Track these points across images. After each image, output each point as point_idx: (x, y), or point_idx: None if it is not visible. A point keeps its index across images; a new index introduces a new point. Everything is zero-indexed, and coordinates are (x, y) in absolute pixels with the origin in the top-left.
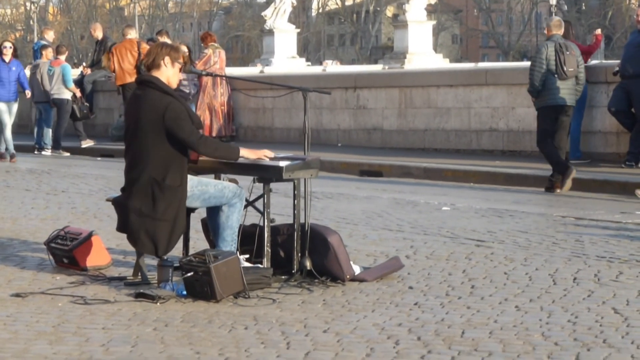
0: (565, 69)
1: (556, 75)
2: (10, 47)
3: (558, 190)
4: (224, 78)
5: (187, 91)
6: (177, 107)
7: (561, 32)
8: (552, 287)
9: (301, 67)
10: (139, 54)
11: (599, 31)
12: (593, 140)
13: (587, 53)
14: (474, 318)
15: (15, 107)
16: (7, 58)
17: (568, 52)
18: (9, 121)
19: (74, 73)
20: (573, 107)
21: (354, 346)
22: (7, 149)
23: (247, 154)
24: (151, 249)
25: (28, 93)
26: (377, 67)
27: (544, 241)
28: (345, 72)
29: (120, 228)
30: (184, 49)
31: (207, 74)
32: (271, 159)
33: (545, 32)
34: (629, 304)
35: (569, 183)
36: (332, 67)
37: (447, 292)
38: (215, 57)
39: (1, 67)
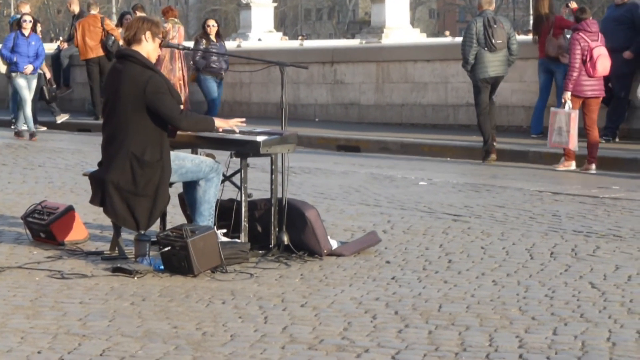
0: (493, 41)
1: (486, 49)
2: (30, 21)
3: (493, 156)
4: (181, 52)
5: (217, 66)
6: (158, 81)
7: (492, 7)
8: (529, 262)
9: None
10: (103, 29)
11: (573, 4)
12: None
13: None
14: (451, 292)
15: (34, 82)
16: (26, 32)
17: (496, 26)
18: (29, 97)
19: (50, 47)
20: (503, 76)
21: (331, 320)
22: (27, 126)
23: (220, 123)
24: (132, 224)
25: (28, 69)
26: (354, 42)
27: (520, 216)
28: (323, 46)
29: (95, 201)
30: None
31: (184, 48)
32: (246, 132)
33: (478, 7)
34: (606, 278)
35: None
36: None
37: (424, 267)
38: (174, 32)
39: (20, 41)
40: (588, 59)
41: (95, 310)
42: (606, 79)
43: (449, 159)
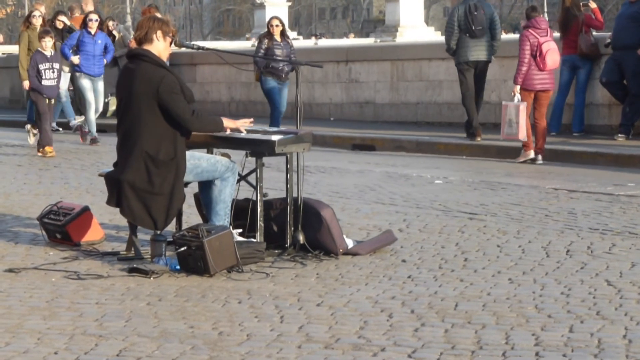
0: (473, 28)
1: (467, 35)
2: (97, 20)
3: (479, 139)
4: None
5: (278, 67)
6: (172, 81)
7: None
8: (545, 260)
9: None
10: None
11: (593, 4)
12: (585, 112)
13: (599, 27)
14: (467, 291)
15: (101, 84)
16: (92, 30)
17: (477, 13)
18: (93, 100)
19: None
20: (489, 62)
21: (347, 319)
22: (89, 131)
23: (228, 124)
24: (150, 224)
25: (75, 59)
26: (368, 41)
27: (536, 214)
28: (337, 45)
29: (111, 202)
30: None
31: (199, 48)
32: (261, 132)
33: None
34: (622, 276)
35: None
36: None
37: (440, 265)
38: None
39: (86, 39)
40: (538, 53)
41: (112, 311)
42: (621, 77)
43: (464, 157)
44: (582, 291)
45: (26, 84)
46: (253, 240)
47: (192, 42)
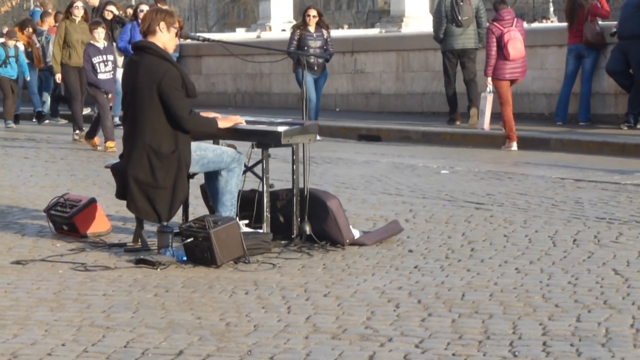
0: (460, 17)
1: (454, 24)
2: (142, 10)
3: (457, 123)
4: None
5: (312, 60)
6: (175, 75)
7: None
8: (552, 249)
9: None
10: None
11: None
12: (592, 102)
13: (606, 16)
14: (474, 280)
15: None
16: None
17: (462, 3)
18: None
19: None
20: (476, 49)
21: (354, 310)
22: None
23: (223, 124)
24: (154, 217)
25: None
26: (374, 31)
27: (543, 203)
28: (343, 36)
29: (119, 194)
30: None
31: (205, 40)
32: (267, 123)
33: None
34: (629, 265)
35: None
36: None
37: (446, 255)
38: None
39: (136, 32)
40: (503, 45)
41: (119, 302)
42: (627, 66)
43: (470, 147)
44: (589, 280)
45: (58, 77)
46: (259, 231)
47: (197, 34)
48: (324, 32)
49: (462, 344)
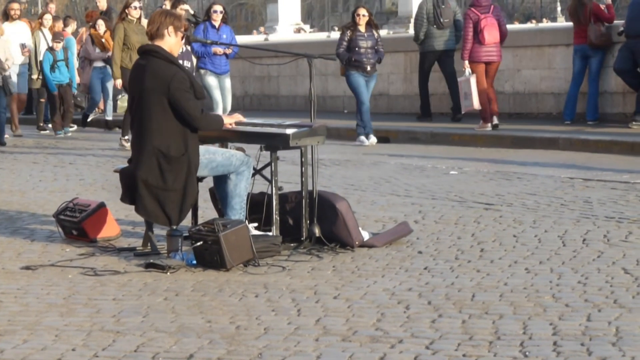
0: (441, 20)
1: (435, 26)
2: (221, 12)
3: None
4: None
5: (362, 59)
6: (183, 78)
7: None
8: (561, 249)
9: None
10: None
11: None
12: (599, 101)
13: (608, 21)
14: (484, 281)
15: (228, 81)
16: (216, 23)
17: (444, 6)
18: (220, 99)
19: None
20: (454, 50)
21: (364, 312)
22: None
23: (227, 120)
24: (164, 220)
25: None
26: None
27: (552, 203)
28: None
29: (125, 198)
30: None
31: (213, 43)
32: (275, 125)
33: None
34: (639, 263)
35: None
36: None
37: (456, 256)
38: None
39: (210, 33)
40: (478, 29)
41: (129, 307)
42: (635, 65)
43: (479, 147)
44: (599, 280)
45: (119, 83)
46: (269, 233)
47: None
48: (374, 32)
49: (472, 345)
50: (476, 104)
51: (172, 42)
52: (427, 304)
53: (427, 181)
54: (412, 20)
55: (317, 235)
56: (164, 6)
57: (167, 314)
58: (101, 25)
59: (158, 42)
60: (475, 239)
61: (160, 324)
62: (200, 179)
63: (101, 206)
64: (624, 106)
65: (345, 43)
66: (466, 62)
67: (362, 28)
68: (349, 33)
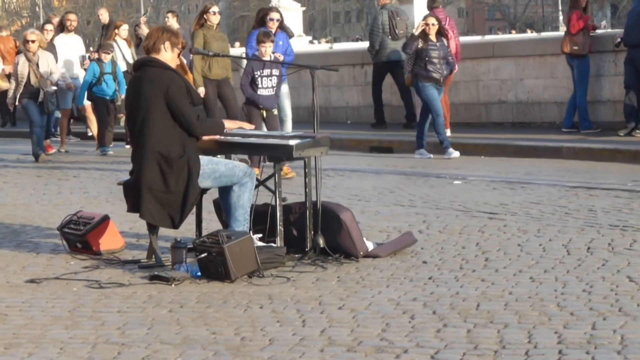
0: (397, 31)
1: (390, 37)
2: (277, 20)
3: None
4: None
5: (435, 70)
6: (179, 84)
7: (393, 1)
8: (566, 258)
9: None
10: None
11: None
12: (602, 109)
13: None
14: (489, 290)
15: (285, 87)
16: (272, 30)
17: (399, 18)
18: (289, 110)
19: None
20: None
21: (369, 322)
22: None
23: (230, 124)
24: (167, 223)
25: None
26: None
27: (556, 212)
28: (353, 48)
29: (131, 209)
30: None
31: (215, 54)
32: (278, 137)
33: (380, 1)
34: None
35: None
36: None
37: (461, 266)
38: None
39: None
40: None
41: (134, 319)
42: (638, 74)
43: (482, 157)
44: (603, 288)
45: (202, 91)
46: (273, 245)
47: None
48: (445, 41)
49: (477, 354)
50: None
51: (168, 57)
52: (432, 314)
53: (431, 191)
54: (413, 30)
55: (322, 245)
56: (166, 20)
57: (172, 325)
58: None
59: (154, 56)
60: (479, 249)
61: (165, 336)
62: (205, 191)
63: (105, 219)
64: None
65: (412, 50)
66: None
67: (433, 37)
68: (419, 42)
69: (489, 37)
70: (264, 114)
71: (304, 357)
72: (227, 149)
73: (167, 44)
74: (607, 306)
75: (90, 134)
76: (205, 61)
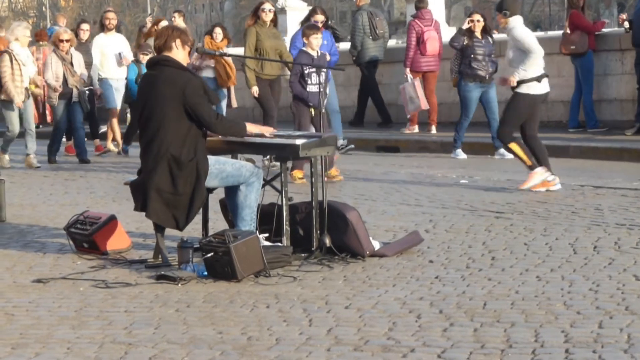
0: (377, 31)
1: (370, 37)
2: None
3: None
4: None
5: (480, 68)
6: (197, 84)
7: (368, 2)
8: (572, 256)
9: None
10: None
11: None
12: (609, 108)
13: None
14: (495, 289)
15: (329, 88)
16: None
17: (378, 19)
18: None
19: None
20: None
21: (376, 321)
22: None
23: (252, 128)
24: (172, 224)
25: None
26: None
27: (563, 211)
28: None
29: (138, 208)
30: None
31: (222, 54)
32: (285, 136)
33: (356, 3)
34: None
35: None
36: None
37: (467, 265)
38: (39, 54)
39: None
40: (421, 40)
41: (141, 318)
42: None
43: (489, 156)
44: (610, 287)
45: (255, 90)
46: (279, 244)
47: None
48: (489, 38)
49: (484, 353)
50: (424, 104)
51: (180, 56)
52: (438, 313)
53: (438, 190)
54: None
55: (328, 245)
56: (173, 19)
57: (179, 325)
58: None
59: (167, 54)
60: (486, 248)
61: (172, 336)
62: (211, 190)
63: (112, 219)
64: (635, 113)
65: (460, 44)
66: (407, 69)
67: (478, 34)
68: (465, 40)
69: (496, 36)
70: (312, 112)
71: (310, 356)
72: (233, 149)
73: (178, 41)
74: (614, 305)
75: (102, 130)
76: (258, 60)
